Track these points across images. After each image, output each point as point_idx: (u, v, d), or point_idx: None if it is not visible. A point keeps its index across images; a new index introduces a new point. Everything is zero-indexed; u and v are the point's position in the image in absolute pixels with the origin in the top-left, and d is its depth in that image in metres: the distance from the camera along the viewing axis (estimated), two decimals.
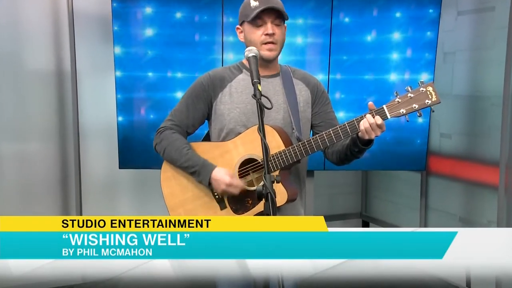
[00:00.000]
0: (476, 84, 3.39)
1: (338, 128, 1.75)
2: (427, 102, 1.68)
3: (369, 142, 1.77)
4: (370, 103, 1.75)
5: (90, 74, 3.61)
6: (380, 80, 3.28)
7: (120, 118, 3.22)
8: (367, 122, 1.71)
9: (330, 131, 1.75)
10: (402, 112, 1.70)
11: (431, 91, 1.69)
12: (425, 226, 3.77)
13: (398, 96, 1.71)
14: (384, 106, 1.72)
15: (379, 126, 1.71)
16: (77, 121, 3.46)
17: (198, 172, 1.83)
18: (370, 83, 3.28)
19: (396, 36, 3.24)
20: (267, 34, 1.80)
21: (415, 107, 1.69)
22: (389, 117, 1.71)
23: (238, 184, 1.79)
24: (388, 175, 4.24)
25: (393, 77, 3.27)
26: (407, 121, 1.73)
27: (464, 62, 3.45)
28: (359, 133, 1.73)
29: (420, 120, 1.94)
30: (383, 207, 4.39)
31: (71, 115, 3.47)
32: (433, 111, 1.71)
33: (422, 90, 1.69)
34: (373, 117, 1.70)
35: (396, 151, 3.36)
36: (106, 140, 3.62)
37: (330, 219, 4.52)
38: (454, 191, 3.57)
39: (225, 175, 1.79)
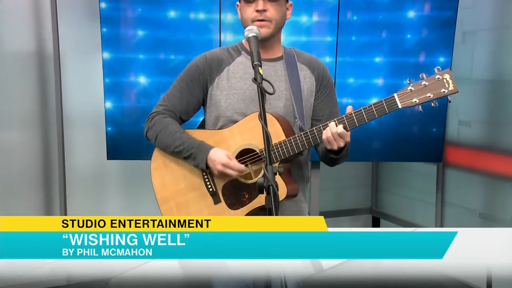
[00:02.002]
0: (499, 67, 3.37)
1: (315, 130, 1.76)
2: (443, 92, 1.67)
3: (339, 150, 1.78)
4: (349, 107, 1.75)
5: (75, 56, 3.60)
6: (392, 63, 3.27)
7: (108, 105, 3.21)
8: (329, 131, 1.73)
9: (313, 130, 1.75)
10: (415, 101, 1.70)
11: (448, 79, 1.69)
12: (442, 222, 3.81)
13: (411, 84, 1.71)
14: (395, 95, 1.71)
15: (340, 135, 1.71)
16: (61, 108, 3.45)
17: (194, 155, 1.84)
18: (382, 67, 3.29)
19: (411, 14, 3.24)
20: (257, 11, 1.80)
21: (429, 96, 1.68)
22: (400, 106, 1.71)
23: (235, 166, 1.79)
24: (401, 167, 4.26)
25: (407, 59, 3.27)
26: (420, 112, 1.73)
27: (486, 42, 3.44)
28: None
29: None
30: (395, 202, 4.42)
31: (54, 101, 3.45)
32: (450, 101, 1.73)
33: (438, 78, 1.68)
34: (336, 126, 1.71)
35: (409, 141, 3.37)
36: (93, 129, 3.62)
37: (337, 215, 4.55)
38: (473, 184, 3.56)
39: (222, 155, 1.79)
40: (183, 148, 1.86)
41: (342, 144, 1.74)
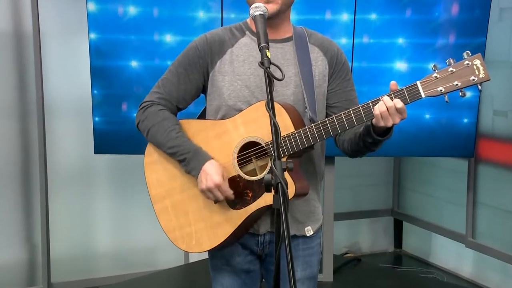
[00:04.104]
0: None
1: (361, 109, 1.73)
2: (473, 79, 1.66)
3: (386, 132, 1.76)
4: (393, 82, 1.72)
5: (57, 37, 3.58)
6: (418, 45, 3.24)
7: (95, 92, 3.20)
8: (384, 106, 1.69)
9: (350, 112, 1.73)
10: (440, 90, 1.68)
11: (478, 65, 1.67)
12: (473, 226, 3.79)
13: (436, 71, 1.70)
14: (418, 83, 1.70)
15: (398, 110, 1.69)
16: (42, 96, 3.43)
17: (188, 160, 1.84)
18: (405, 49, 3.25)
19: None
20: None
21: (457, 84, 1.67)
22: (423, 96, 1.69)
23: (226, 191, 1.80)
24: (427, 162, 4.25)
25: (434, 41, 3.22)
26: (446, 102, 1.71)
27: None
28: (373, 120, 1.73)
29: (467, 94, 1.93)
30: (420, 202, 4.42)
31: (33, 88, 3.44)
32: (481, 90, 1.72)
33: (467, 64, 1.67)
34: (392, 100, 1.69)
35: (437, 133, 3.33)
36: (78, 119, 3.61)
37: (355, 216, 4.55)
38: (510, 182, 3.54)
39: (218, 174, 1.79)
40: (176, 150, 1.86)
41: (397, 121, 1.72)
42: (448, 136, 3.36)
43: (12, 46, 3.52)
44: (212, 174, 1.80)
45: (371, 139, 1.80)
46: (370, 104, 1.75)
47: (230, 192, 1.82)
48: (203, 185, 1.82)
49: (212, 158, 1.84)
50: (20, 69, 3.54)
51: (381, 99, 1.72)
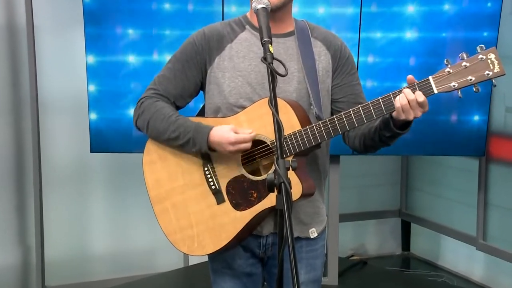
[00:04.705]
0: None
1: (370, 105, 1.73)
2: (487, 74, 1.67)
3: (406, 125, 1.77)
4: (410, 76, 1.73)
5: (52, 31, 3.58)
6: (426, 39, 3.23)
7: (91, 88, 3.20)
8: (405, 99, 1.70)
9: (359, 108, 1.73)
10: (454, 86, 1.69)
11: (493, 59, 1.67)
12: (484, 227, 3.78)
13: (449, 65, 1.70)
14: (430, 78, 1.70)
15: (420, 104, 1.70)
16: (36, 92, 3.41)
17: (193, 140, 1.82)
18: (413, 44, 3.23)
19: None
20: None
21: (470, 80, 1.67)
22: (436, 91, 1.70)
23: (246, 137, 1.77)
24: (436, 162, 4.23)
25: (444, 35, 3.22)
26: (460, 97, 1.72)
27: None
28: (394, 113, 1.73)
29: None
30: (429, 203, 4.41)
31: (27, 84, 3.43)
32: (495, 85, 1.72)
33: (481, 58, 1.67)
34: (413, 92, 1.70)
35: (446, 131, 3.31)
36: (74, 117, 3.61)
37: (361, 218, 4.54)
38: None
39: (227, 132, 1.78)
40: (179, 133, 1.85)
41: (419, 114, 1.73)
42: (458, 134, 3.35)
43: (5, 40, 3.51)
44: (223, 138, 1.79)
45: (389, 133, 1.80)
46: (381, 100, 1.75)
47: (250, 134, 1.80)
48: (227, 153, 1.81)
49: (213, 126, 1.82)
50: (13, 64, 3.54)
51: (402, 92, 1.71)
